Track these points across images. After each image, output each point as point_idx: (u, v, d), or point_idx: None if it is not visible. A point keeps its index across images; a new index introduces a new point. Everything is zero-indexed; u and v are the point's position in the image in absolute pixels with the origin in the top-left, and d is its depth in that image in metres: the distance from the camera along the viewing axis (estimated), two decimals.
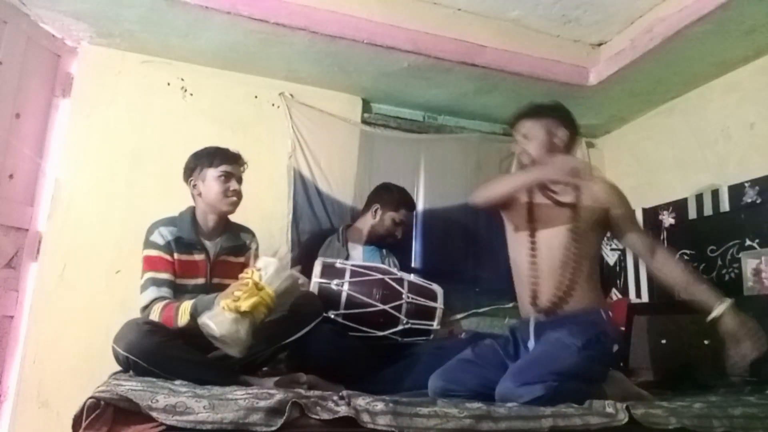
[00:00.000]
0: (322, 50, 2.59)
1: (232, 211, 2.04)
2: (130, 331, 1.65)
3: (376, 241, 2.57)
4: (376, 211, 2.58)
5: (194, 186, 2.02)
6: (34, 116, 2.49)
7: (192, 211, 2.03)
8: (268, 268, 1.74)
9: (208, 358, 1.76)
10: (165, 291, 1.86)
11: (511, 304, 2.81)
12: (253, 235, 2.15)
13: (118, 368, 1.84)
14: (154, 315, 1.79)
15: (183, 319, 1.74)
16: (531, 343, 1.79)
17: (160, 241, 1.91)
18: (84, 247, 2.50)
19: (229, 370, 1.75)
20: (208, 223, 2.02)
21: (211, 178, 1.98)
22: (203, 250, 1.98)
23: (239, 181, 2.04)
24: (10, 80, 2.32)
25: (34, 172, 2.49)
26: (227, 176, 1.99)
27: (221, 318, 1.63)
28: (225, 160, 2.00)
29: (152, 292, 1.85)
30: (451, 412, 1.35)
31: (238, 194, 2.02)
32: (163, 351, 1.62)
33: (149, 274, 1.88)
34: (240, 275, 1.75)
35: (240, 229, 2.12)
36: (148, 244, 1.93)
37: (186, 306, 1.75)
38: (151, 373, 1.57)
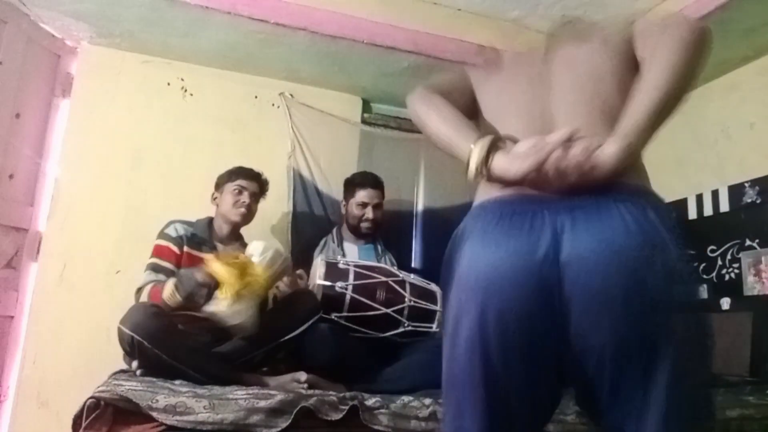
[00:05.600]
0: (322, 50, 2.59)
1: (241, 222, 2.18)
2: (137, 312, 1.71)
3: (357, 233, 2.55)
4: (343, 206, 2.62)
5: (214, 198, 2.21)
6: (34, 116, 2.48)
7: (210, 219, 2.20)
8: (256, 249, 1.90)
9: (210, 351, 1.81)
10: (161, 277, 1.93)
11: None
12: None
13: (118, 368, 1.84)
14: (144, 295, 1.86)
15: (166, 292, 1.82)
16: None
17: (173, 234, 2.03)
18: (84, 247, 2.50)
19: (229, 364, 1.78)
20: (222, 231, 2.17)
21: (228, 190, 2.17)
22: (214, 250, 2.07)
23: (254, 197, 2.20)
24: (10, 80, 2.31)
25: (34, 172, 2.49)
26: (240, 189, 2.17)
27: (233, 309, 1.75)
28: (242, 176, 2.20)
29: (149, 276, 1.94)
30: None
31: (249, 207, 2.17)
32: (168, 334, 1.69)
33: (153, 260, 1.98)
34: (231, 260, 1.85)
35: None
36: (161, 235, 2.05)
37: (170, 282, 1.85)
38: (154, 356, 1.62)
